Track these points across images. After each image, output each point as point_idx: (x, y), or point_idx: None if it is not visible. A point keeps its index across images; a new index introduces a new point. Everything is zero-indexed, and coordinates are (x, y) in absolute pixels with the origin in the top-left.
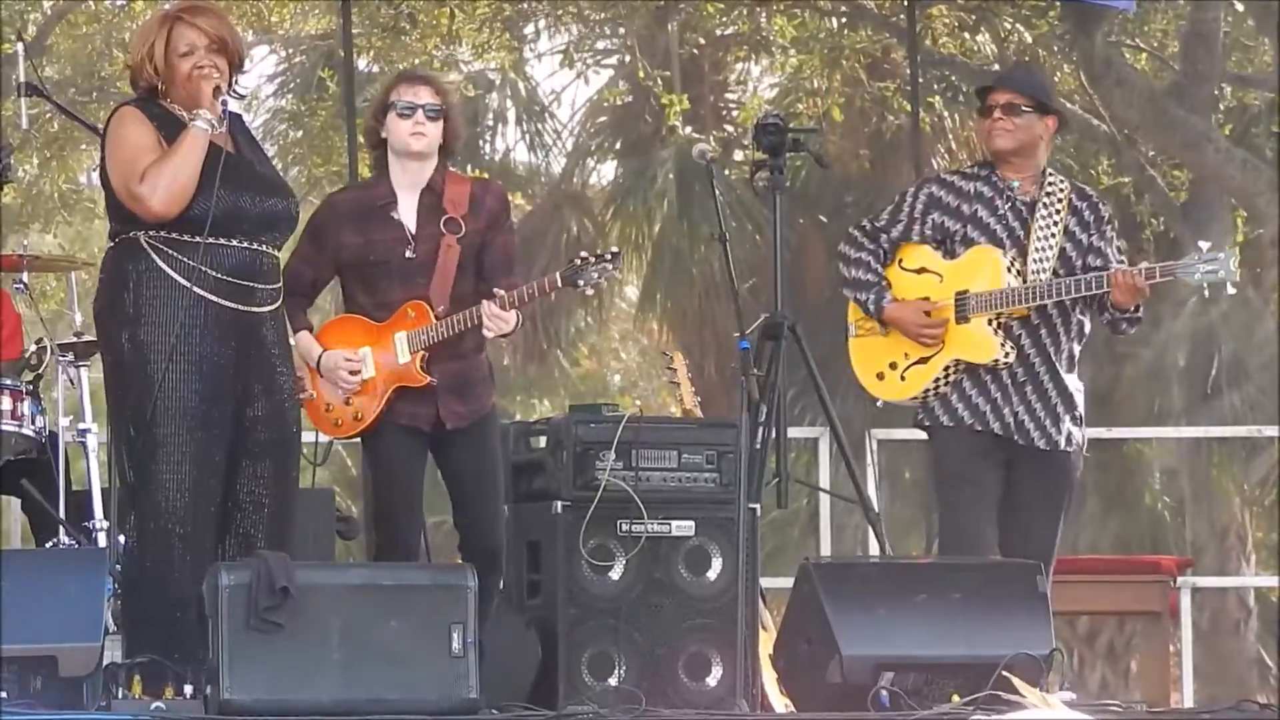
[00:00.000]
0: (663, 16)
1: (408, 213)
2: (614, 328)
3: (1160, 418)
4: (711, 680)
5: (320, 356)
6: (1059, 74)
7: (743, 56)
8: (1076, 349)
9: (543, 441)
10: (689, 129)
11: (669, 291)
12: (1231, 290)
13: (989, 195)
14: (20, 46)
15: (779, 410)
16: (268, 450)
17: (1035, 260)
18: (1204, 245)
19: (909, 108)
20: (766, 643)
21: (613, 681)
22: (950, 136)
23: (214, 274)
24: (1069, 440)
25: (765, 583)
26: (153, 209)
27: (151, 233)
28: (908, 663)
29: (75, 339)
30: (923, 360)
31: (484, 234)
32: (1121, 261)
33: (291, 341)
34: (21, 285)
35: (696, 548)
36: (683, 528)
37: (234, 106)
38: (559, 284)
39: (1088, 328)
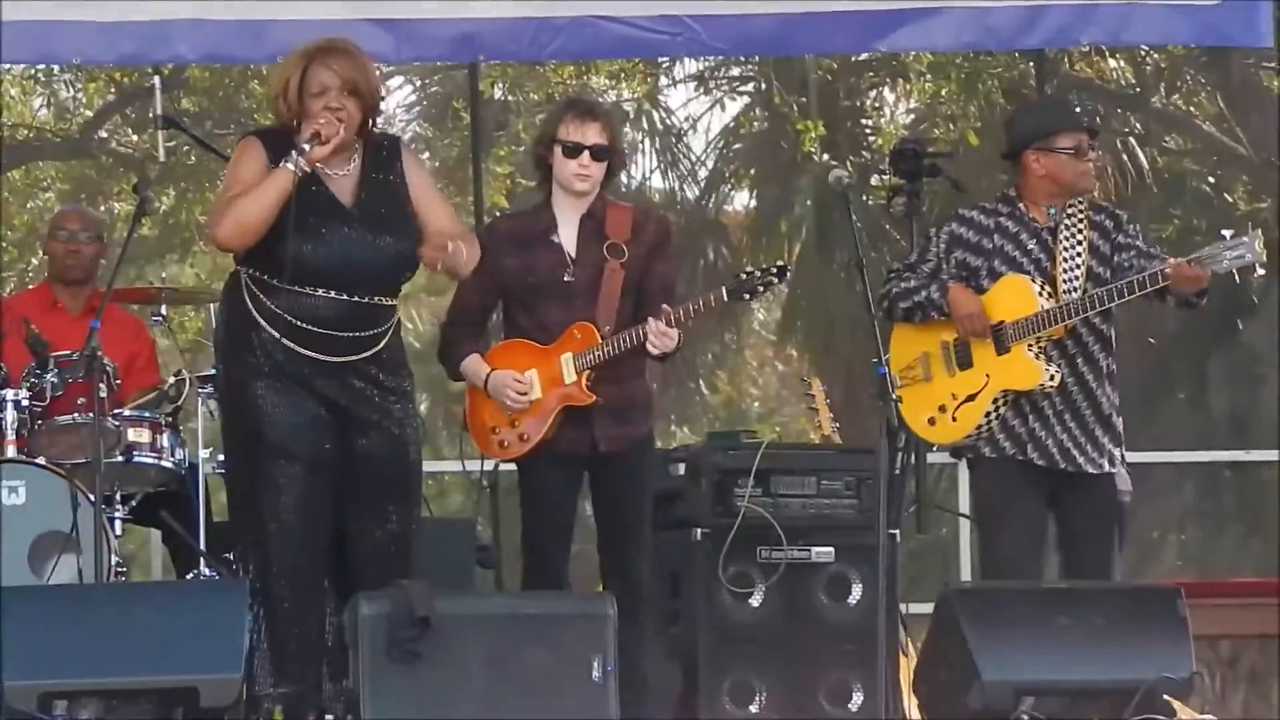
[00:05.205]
0: None
1: (568, 237)
2: (751, 354)
3: None
4: (853, 707)
5: (488, 377)
6: (1197, 98)
7: (878, 82)
8: (1114, 364)
9: (681, 469)
10: (826, 156)
11: (810, 318)
12: (1260, 271)
13: (1013, 229)
14: (157, 80)
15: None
16: (378, 483)
17: (1064, 282)
18: (1227, 233)
19: None
20: (907, 669)
21: (754, 709)
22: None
23: (292, 319)
24: (1112, 461)
25: (906, 609)
26: (216, 239)
27: (249, 270)
28: (1048, 688)
29: (214, 371)
30: (970, 398)
31: (645, 261)
32: (1153, 248)
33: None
34: (160, 318)
35: (837, 574)
36: (823, 554)
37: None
38: (725, 298)
39: (1115, 338)
